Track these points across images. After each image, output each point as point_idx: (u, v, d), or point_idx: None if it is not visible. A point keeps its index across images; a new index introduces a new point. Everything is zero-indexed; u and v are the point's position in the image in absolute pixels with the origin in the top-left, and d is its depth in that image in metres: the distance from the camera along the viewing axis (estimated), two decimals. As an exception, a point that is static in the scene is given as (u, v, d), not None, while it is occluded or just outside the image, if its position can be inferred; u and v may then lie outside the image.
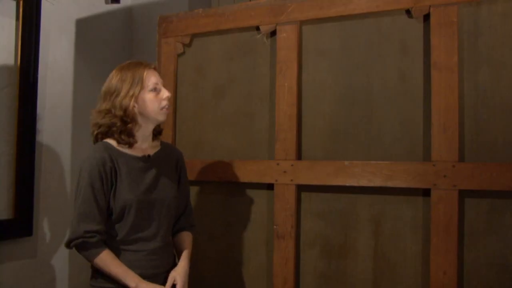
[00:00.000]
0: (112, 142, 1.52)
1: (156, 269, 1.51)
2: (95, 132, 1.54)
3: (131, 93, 1.48)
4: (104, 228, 1.45)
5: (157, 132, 1.64)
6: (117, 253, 1.46)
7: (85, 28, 2.35)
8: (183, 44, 2.09)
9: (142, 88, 1.49)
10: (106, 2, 2.45)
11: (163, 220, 1.55)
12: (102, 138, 1.54)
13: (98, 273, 1.48)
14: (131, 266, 1.45)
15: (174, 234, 1.67)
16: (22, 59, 1.97)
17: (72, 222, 1.44)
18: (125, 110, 1.48)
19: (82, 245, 1.42)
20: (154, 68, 1.56)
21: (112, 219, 1.47)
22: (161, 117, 1.53)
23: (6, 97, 1.93)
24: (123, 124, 1.49)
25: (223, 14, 1.99)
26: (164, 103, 1.52)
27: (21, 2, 1.96)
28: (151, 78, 1.51)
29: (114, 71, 1.54)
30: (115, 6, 2.51)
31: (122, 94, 1.48)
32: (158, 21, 2.14)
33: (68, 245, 1.45)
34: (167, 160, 1.63)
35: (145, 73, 1.51)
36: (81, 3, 2.34)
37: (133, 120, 1.50)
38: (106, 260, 1.43)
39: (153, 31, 2.22)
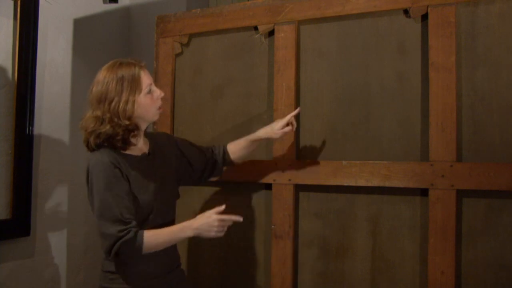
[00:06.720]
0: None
1: (169, 266, 1.56)
2: (91, 140, 1.43)
3: (132, 99, 1.42)
4: (135, 221, 1.38)
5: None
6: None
7: (83, 28, 2.35)
8: (181, 44, 2.08)
9: (140, 91, 1.44)
10: (104, 2, 2.45)
11: (172, 213, 1.61)
12: (96, 146, 1.43)
13: (113, 276, 1.46)
14: (149, 261, 1.45)
15: (226, 156, 1.74)
16: (20, 59, 1.96)
17: (102, 233, 1.36)
18: (129, 118, 1.41)
19: (122, 246, 1.34)
20: (144, 66, 1.52)
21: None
22: (156, 117, 1.56)
23: (3, 97, 1.93)
24: (127, 133, 1.43)
25: (221, 14, 1.99)
26: (160, 102, 1.52)
27: (19, 2, 1.96)
28: (146, 80, 1.47)
29: (105, 72, 1.44)
30: (113, 6, 2.51)
31: (123, 99, 1.41)
32: (156, 21, 2.13)
33: (109, 254, 1.36)
34: (160, 151, 1.60)
35: (141, 75, 1.45)
36: (79, 3, 2.33)
37: (137, 127, 1.46)
38: (151, 237, 1.38)
39: (151, 31, 2.22)
